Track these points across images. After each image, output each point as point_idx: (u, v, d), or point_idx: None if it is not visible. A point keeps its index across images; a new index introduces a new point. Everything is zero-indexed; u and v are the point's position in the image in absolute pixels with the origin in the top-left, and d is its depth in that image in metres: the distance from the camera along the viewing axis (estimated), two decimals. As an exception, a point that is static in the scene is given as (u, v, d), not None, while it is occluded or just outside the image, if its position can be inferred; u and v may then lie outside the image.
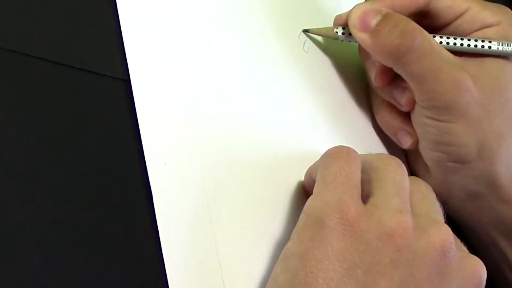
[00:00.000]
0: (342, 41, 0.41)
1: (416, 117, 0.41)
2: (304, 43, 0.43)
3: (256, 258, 0.34)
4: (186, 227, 0.33)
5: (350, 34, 0.40)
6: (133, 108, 0.34)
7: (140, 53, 0.35)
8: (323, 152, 0.35)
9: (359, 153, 0.35)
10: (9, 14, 0.34)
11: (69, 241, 0.31)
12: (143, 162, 0.33)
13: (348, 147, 0.35)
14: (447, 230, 0.32)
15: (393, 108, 0.42)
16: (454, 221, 0.43)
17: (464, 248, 0.35)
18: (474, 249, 0.43)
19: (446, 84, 0.38)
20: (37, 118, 0.32)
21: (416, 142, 0.42)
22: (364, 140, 0.43)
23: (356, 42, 0.40)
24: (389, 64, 0.39)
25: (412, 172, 0.45)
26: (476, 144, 0.39)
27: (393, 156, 0.36)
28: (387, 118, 0.43)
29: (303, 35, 0.43)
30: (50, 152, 0.32)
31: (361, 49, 0.42)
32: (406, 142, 0.42)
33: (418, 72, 0.38)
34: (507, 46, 0.39)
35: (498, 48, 0.39)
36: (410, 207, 0.33)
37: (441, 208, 0.36)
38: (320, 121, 0.41)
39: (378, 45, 0.38)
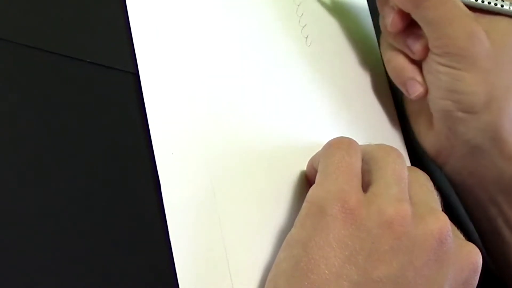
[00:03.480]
0: None
1: (428, 64, 0.41)
2: (307, 37, 0.43)
3: (260, 245, 0.35)
4: (192, 215, 0.33)
5: None
6: (141, 100, 0.34)
7: (149, 47, 0.35)
8: (325, 143, 0.35)
9: (359, 143, 0.35)
10: (21, 9, 0.34)
11: (78, 227, 0.31)
12: (151, 152, 0.33)
13: (349, 138, 0.35)
14: (445, 218, 0.33)
15: (404, 57, 0.43)
16: (452, 184, 0.44)
17: (461, 236, 0.36)
18: (470, 209, 0.44)
19: (460, 31, 0.39)
20: (48, 110, 0.33)
21: (425, 91, 0.42)
22: (364, 131, 0.43)
23: None
24: (408, 8, 0.40)
25: (413, 131, 0.45)
26: (484, 95, 0.39)
27: (392, 147, 0.36)
28: (398, 67, 0.43)
29: (305, 30, 0.43)
30: (61, 143, 0.32)
31: None
32: (415, 92, 0.42)
33: (435, 18, 0.39)
34: None
35: (510, 8, 0.40)
36: (409, 196, 0.33)
37: (438, 197, 0.36)
38: (321, 113, 0.41)
39: None
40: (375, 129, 0.45)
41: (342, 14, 0.45)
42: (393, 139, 0.45)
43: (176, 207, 0.33)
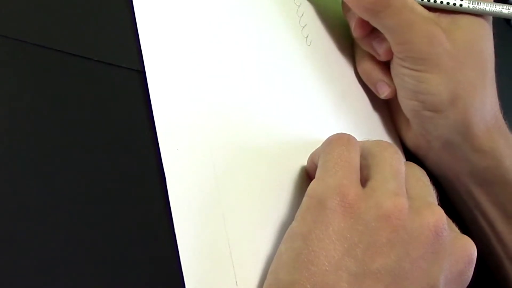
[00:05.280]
0: None
1: (394, 67, 0.42)
2: (307, 37, 0.44)
3: (262, 238, 0.35)
4: (197, 209, 0.34)
5: None
6: (148, 97, 0.34)
7: (155, 45, 0.36)
8: (325, 139, 0.36)
9: (358, 139, 0.36)
10: (28, 7, 0.34)
11: (83, 223, 0.32)
12: (157, 147, 0.34)
13: (348, 134, 0.36)
14: (440, 211, 0.33)
15: (373, 60, 0.44)
16: (434, 176, 0.44)
17: (456, 229, 0.36)
18: (452, 201, 0.45)
19: (419, 36, 0.39)
20: (55, 107, 0.33)
21: (393, 92, 0.43)
22: (363, 127, 0.44)
23: None
24: (366, 18, 0.40)
25: (396, 129, 0.46)
26: (449, 93, 0.40)
27: (390, 143, 0.37)
28: (367, 69, 0.44)
29: (305, 30, 0.44)
30: (69, 139, 0.33)
31: (343, 2, 0.43)
32: (384, 92, 0.44)
33: (393, 26, 0.39)
34: (477, 4, 0.40)
35: (469, 6, 0.40)
36: (406, 190, 0.34)
37: (434, 191, 0.37)
38: (322, 110, 0.42)
39: (356, 0, 0.40)
40: (373, 126, 0.45)
41: (341, 14, 0.45)
42: (391, 135, 0.46)
43: (181, 202, 0.33)
